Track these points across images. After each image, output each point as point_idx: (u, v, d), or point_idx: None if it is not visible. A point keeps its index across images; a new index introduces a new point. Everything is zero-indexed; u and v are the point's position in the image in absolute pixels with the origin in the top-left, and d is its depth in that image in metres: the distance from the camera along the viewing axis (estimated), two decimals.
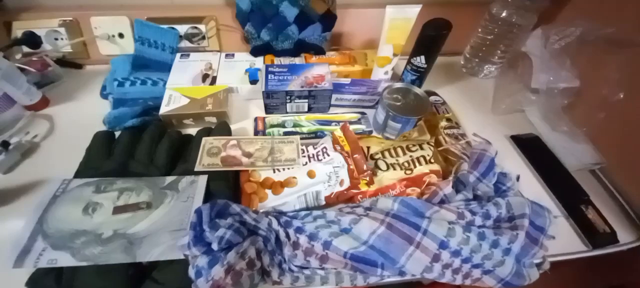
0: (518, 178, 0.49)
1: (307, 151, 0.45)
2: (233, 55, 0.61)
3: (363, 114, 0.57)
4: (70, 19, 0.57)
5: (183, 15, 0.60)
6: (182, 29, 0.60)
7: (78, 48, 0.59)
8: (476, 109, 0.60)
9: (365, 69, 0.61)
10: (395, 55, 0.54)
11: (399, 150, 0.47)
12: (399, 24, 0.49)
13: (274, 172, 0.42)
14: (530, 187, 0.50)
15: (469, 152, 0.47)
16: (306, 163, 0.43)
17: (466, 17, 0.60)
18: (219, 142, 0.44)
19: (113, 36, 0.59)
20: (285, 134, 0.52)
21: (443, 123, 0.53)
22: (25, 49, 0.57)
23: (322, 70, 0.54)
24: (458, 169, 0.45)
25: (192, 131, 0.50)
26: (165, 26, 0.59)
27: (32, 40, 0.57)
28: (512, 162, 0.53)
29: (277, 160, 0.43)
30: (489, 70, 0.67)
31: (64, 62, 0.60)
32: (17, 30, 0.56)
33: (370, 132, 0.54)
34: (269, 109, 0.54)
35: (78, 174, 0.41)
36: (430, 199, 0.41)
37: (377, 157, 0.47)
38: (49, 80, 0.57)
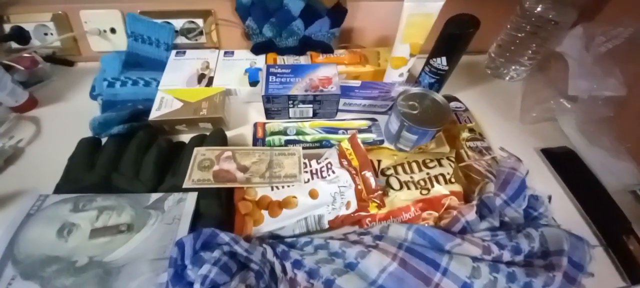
0: (550, 199, 0.43)
1: (310, 166, 0.40)
2: (232, 53, 0.56)
3: (374, 120, 0.51)
4: (59, 12, 0.53)
5: (179, 9, 0.55)
6: (178, 23, 0.55)
7: (68, 44, 0.55)
8: (502, 117, 0.54)
9: (378, 70, 0.55)
10: (412, 55, 0.48)
11: (414, 166, 0.42)
12: (418, 21, 0.43)
13: (272, 189, 0.38)
14: (563, 209, 0.44)
15: (495, 170, 0.41)
16: (308, 180, 0.38)
17: (493, 11, 0.54)
18: (211, 153, 0.40)
19: (104, 31, 0.54)
20: (287, 142, 0.47)
21: (465, 134, 0.47)
22: (15, 45, 0.54)
23: (329, 72, 0.49)
24: (482, 190, 0.40)
25: (187, 137, 0.46)
26: (159, 21, 0.54)
27: (20, 35, 0.53)
28: (543, 180, 0.47)
29: (276, 176, 0.38)
30: (517, 72, 0.60)
31: (55, 59, 0.56)
32: (5, 25, 0.53)
33: (382, 141, 0.48)
34: (270, 114, 0.50)
35: (58, 188, 0.37)
36: (450, 226, 0.36)
37: (389, 172, 0.42)
38: (38, 79, 0.53)
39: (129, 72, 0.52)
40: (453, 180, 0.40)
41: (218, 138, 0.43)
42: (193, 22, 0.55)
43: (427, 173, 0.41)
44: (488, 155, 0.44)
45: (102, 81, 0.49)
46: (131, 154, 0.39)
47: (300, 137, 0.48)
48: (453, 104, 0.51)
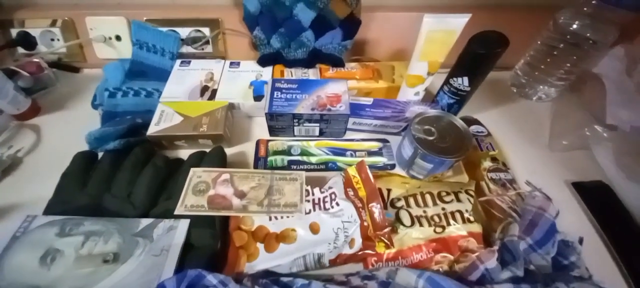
0: (581, 241, 0.38)
1: (312, 194, 0.37)
2: (238, 64, 0.53)
3: (385, 142, 0.47)
4: (66, 18, 0.52)
5: (185, 17, 0.53)
6: (184, 32, 0.53)
7: (74, 50, 0.55)
8: (528, 143, 0.49)
9: (391, 86, 0.51)
10: (430, 74, 0.44)
11: (428, 198, 0.38)
12: (438, 37, 0.39)
13: (270, 219, 0.35)
14: (594, 253, 0.38)
15: (521, 209, 0.37)
16: (309, 211, 0.35)
17: (523, 25, 0.49)
18: (208, 175, 0.37)
19: (110, 38, 0.53)
20: (290, 163, 0.44)
21: (486, 163, 0.42)
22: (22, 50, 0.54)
23: (338, 89, 0.45)
24: (505, 230, 0.35)
25: (186, 153, 0.44)
26: (165, 29, 0.52)
27: (26, 40, 0.52)
28: (573, 218, 0.41)
29: (275, 205, 0.35)
30: (546, 92, 0.54)
31: (60, 65, 0.55)
32: (13, 30, 0.52)
33: (393, 166, 0.45)
34: (273, 131, 0.47)
35: (48, 207, 0.35)
36: (467, 274, 0.32)
37: (399, 204, 0.38)
38: (42, 85, 0.52)
39: (131, 82, 0.50)
40: (472, 218, 0.36)
41: (217, 157, 0.41)
42: (199, 31, 0.53)
43: (443, 209, 0.37)
44: (512, 189, 0.40)
45: (103, 91, 0.48)
46: (125, 174, 0.37)
47: (305, 158, 0.44)
48: (474, 128, 0.46)
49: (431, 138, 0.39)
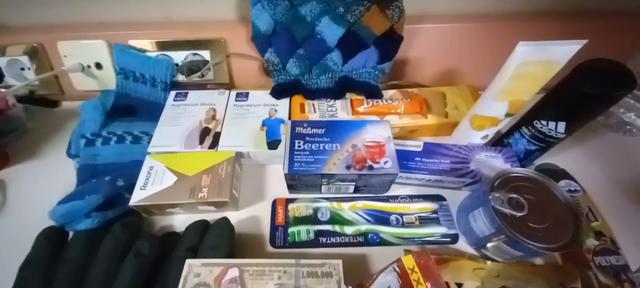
0: None
1: None
2: (246, 95, 0.42)
3: (440, 200, 0.36)
4: (34, 44, 0.42)
5: (180, 38, 0.42)
6: (179, 56, 0.43)
7: (48, 81, 0.45)
8: (627, 199, 0.36)
9: (444, 123, 0.40)
10: (508, 115, 0.32)
11: None
12: (531, 71, 0.27)
13: None
14: None
15: None
16: None
17: (614, 35, 0.37)
18: (209, 272, 0.27)
19: (88, 67, 0.43)
20: (318, 235, 0.33)
21: (591, 241, 0.31)
22: None
23: (379, 134, 0.34)
24: None
25: (181, 220, 0.34)
26: (155, 53, 0.42)
27: None
28: None
29: None
30: (637, 125, 0.42)
31: (33, 99, 0.46)
32: None
33: (454, 237, 0.33)
34: (294, 188, 0.36)
35: None
36: None
37: None
38: (11, 127, 0.43)
39: (113, 124, 0.40)
40: None
41: (221, 238, 0.30)
42: (198, 54, 0.43)
43: None
44: (628, 282, 0.28)
45: (79, 137, 0.38)
46: (100, 268, 0.28)
47: (337, 228, 0.34)
48: (563, 184, 0.35)
49: (520, 214, 0.28)
